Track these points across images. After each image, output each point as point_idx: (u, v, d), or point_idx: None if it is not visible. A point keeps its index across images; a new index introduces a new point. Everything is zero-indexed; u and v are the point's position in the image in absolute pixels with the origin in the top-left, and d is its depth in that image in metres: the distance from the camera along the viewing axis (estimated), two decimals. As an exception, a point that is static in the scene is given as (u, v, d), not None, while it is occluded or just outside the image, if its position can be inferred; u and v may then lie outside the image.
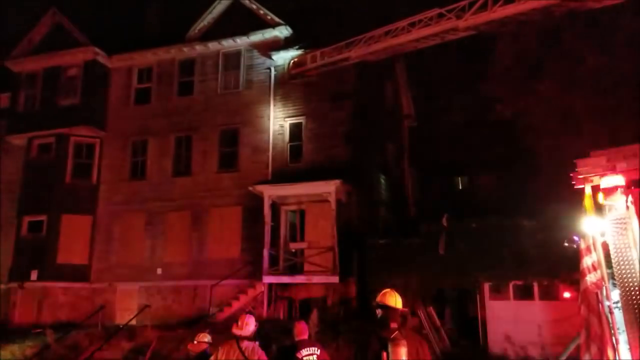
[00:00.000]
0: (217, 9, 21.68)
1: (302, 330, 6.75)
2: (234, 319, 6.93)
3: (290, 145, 19.69)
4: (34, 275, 20.41)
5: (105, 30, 24.03)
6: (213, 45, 21.34)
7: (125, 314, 19.13)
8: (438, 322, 13.55)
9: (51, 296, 20.29)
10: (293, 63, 19.92)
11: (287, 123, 19.83)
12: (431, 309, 13.69)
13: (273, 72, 20.38)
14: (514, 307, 13.19)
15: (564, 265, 11.86)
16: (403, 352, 4.89)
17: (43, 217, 21.15)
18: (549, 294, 13.25)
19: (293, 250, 18.34)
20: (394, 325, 5.13)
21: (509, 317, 13.13)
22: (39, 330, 18.03)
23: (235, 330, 6.68)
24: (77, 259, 20.93)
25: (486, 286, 13.55)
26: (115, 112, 22.36)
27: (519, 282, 13.29)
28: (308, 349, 6.50)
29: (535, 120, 17.90)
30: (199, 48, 21.55)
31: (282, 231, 18.67)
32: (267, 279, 17.56)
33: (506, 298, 13.46)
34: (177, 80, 21.91)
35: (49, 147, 21.99)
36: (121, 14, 26.39)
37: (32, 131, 22.16)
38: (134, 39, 23.29)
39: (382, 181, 20.96)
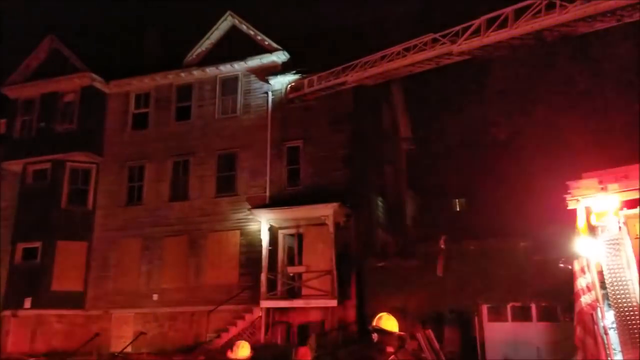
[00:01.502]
0: (215, 35, 21.93)
1: (303, 355, 6.72)
2: (231, 345, 6.92)
3: (288, 169, 19.74)
4: (27, 302, 20.20)
5: (103, 56, 24.26)
6: (211, 71, 21.54)
7: (121, 341, 18.91)
8: (437, 345, 13.43)
9: (45, 324, 20.07)
10: (290, 87, 20.10)
11: (285, 147, 19.91)
12: (430, 332, 13.58)
13: (271, 97, 20.55)
14: (513, 328, 13.09)
15: (562, 287, 11.81)
16: None
17: (37, 244, 21.01)
18: (548, 315, 13.16)
19: (291, 274, 18.24)
20: (390, 349, 5.11)
21: (507, 339, 13.02)
22: (32, 359, 17.81)
23: (231, 356, 6.69)
24: (72, 285, 20.74)
25: (484, 308, 13.47)
26: (112, 138, 22.43)
27: (517, 304, 13.20)
28: None
29: (529, 142, 18.03)
30: (196, 73, 21.74)
31: (280, 255, 18.59)
32: (265, 304, 17.42)
33: (504, 320, 13.36)
34: (174, 105, 22.04)
35: (45, 173, 21.96)
36: (119, 40, 26.70)
37: (27, 157, 22.20)
38: (132, 65, 23.49)
39: (380, 203, 20.97)
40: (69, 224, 21.31)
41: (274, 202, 19.10)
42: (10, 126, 23.18)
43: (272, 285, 17.87)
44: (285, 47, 20.85)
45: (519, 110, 18.43)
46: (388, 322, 5.36)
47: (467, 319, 13.99)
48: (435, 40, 16.73)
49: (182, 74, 21.92)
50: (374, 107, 21.69)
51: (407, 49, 17.31)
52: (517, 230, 15.13)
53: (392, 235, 20.92)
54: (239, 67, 21.22)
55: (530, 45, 15.90)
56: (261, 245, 18.22)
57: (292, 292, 17.77)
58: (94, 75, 22.39)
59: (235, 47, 21.33)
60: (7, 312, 20.32)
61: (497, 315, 13.41)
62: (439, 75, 19.55)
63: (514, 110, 18.61)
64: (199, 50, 21.96)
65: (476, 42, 15.86)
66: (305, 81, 19.62)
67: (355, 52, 18.69)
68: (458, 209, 23.43)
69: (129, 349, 17.88)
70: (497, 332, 13.20)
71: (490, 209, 19.06)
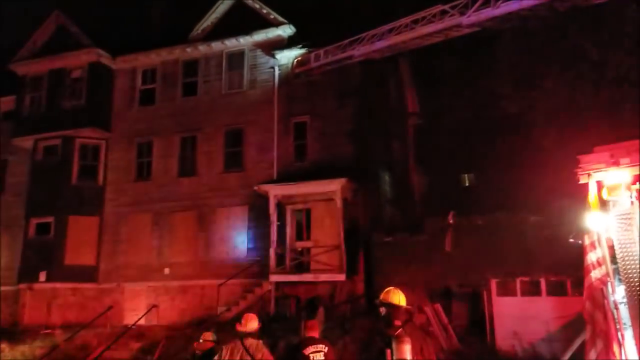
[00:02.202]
0: (220, 9, 21.71)
1: (310, 328, 6.80)
2: (240, 317, 7.03)
3: (295, 144, 19.73)
4: (42, 276, 20.55)
5: (109, 31, 24.12)
6: (216, 46, 21.38)
7: (134, 314, 19.24)
8: (445, 319, 13.54)
9: (60, 297, 20.42)
10: (297, 62, 19.93)
11: (292, 122, 19.85)
12: (438, 306, 13.69)
13: (277, 72, 20.41)
14: (522, 303, 13.14)
15: (571, 261, 11.82)
16: (407, 349, 4.93)
17: (50, 219, 21.27)
18: (557, 290, 13.20)
19: (299, 249, 18.38)
20: (397, 322, 5.18)
21: (516, 314, 13.08)
22: (48, 331, 18.19)
23: (239, 328, 6.79)
24: (85, 260, 21.04)
25: (493, 283, 13.51)
26: (120, 114, 22.44)
27: (526, 279, 13.24)
28: (315, 346, 6.54)
29: (540, 116, 17.83)
30: (202, 48, 21.59)
31: (289, 230, 18.70)
32: (274, 278, 17.61)
33: (513, 294, 13.42)
34: (181, 80, 21.96)
35: (55, 149, 22.10)
36: (124, 15, 26.50)
37: (37, 133, 22.29)
38: (138, 40, 23.33)
39: (388, 179, 20.95)
40: (80, 199, 21.52)
41: (281, 178, 19.14)
42: (20, 103, 23.22)
43: (280, 259, 18.03)
44: (291, 21, 20.63)
45: (530, 83, 18.18)
46: (395, 296, 5.43)
47: (476, 293, 14.06)
48: (443, 12, 16.49)
49: (188, 49, 21.79)
50: (381, 82, 21.51)
51: (415, 22, 17.08)
52: (527, 205, 15.07)
53: (400, 210, 20.95)
54: (244, 41, 21.05)
55: (541, 17, 15.63)
56: (269, 221, 18.31)
57: (301, 267, 17.94)
58: (101, 51, 22.31)
59: (241, 21, 21.12)
60: (23, 286, 20.70)
61: (506, 289, 13.45)
62: (447, 48, 19.28)
63: (524, 83, 18.37)
64: (205, 24, 21.77)
65: (486, 13, 15.60)
66: (312, 55, 19.45)
67: (362, 25, 18.47)
68: (467, 184, 23.36)
69: (141, 322, 18.19)
70: (506, 307, 13.27)
71: (500, 183, 18.97)
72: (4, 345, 17.26)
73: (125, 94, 22.60)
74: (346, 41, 18.50)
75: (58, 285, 20.49)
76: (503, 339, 13.07)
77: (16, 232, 21.93)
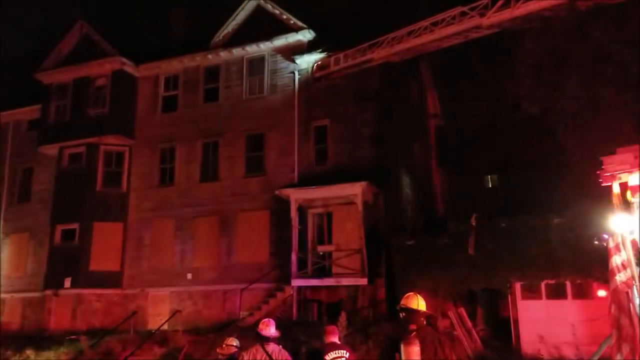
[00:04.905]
0: (241, 16, 21.89)
1: (331, 333, 6.78)
2: (259, 323, 7.05)
3: (316, 148, 19.75)
4: (67, 282, 20.87)
5: (131, 39, 24.49)
6: (237, 52, 21.56)
7: (157, 319, 19.41)
8: (469, 324, 13.38)
9: (85, 303, 20.74)
10: (317, 66, 20.00)
11: (312, 126, 19.90)
12: (462, 310, 13.53)
13: (297, 76, 20.49)
14: (547, 306, 12.95)
15: (597, 263, 11.62)
16: (415, 351, 4.93)
17: (75, 226, 21.63)
18: (582, 293, 12.99)
19: (321, 253, 18.38)
20: (412, 327, 5.18)
21: (541, 317, 12.90)
22: (73, 337, 18.43)
23: (261, 333, 6.82)
24: (110, 265, 21.33)
25: (517, 286, 13.33)
26: (143, 120, 22.76)
27: (551, 281, 13.03)
28: (336, 351, 6.53)
29: (563, 117, 17.58)
30: (223, 54, 21.79)
31: (310, 234, 18.71)
32: (296, 282, 17.62)
33: (538, 297, 13.22)
34: (202, 87, 22.19)
35: (80, 157, 22.48)
36: (146, 23, 26.89)
37: (63, 141, 22.72)
38: (160, 48, 23.66)
39: (409, 181, 20.84)
40: (105, 205, 21.85)
41: (302, 182, 19.18)
42: (45, 111, 23.70)
43: (302, 264, 18.04)
44: (311, 25, 20.69)
45: (552, 83, 17.94)
46: (414, 301, 5.43)
47: (500, 297, 13.88)
48: (463, 14, 16.42)
49: (209, 56, 22.00)
50: (401, 84, 21.44)
51: (434, 24, 17.05)
52: (551, 207, 14.86)
53: (421, 212, 20.81)
54: (265, 47, 21.18)
55: (562, 16, 15.43)
56: (290, 225, 18.36)
57: (323, 271, 17.91)
58: (124, 60, 22.66)
59: (261, 27, 21.26)
60: (49, 292, 21.06)
61: (530, 293, 13.27)
62: (468, 49, 19.15)
63: (546, 84, 18.12)
64: (225, 31, 21.97)
65: (506, 14, 15.51)
66: (332, 59, 19.52)
67: (381, 28, 18.46)
68: (489, 186, 23.09)
69: (165, 327, 18.34)
70: (531, 310, 13.09)
71: (523, 185, 18.73)
72: (29, 352, 17.53)
73: (148, 101, 22.91)
74: (366, 44, 18.53)
75: (83, 291, 20.80)
76: (528, 342, 12.90)
77: (42, 238, 22.40)
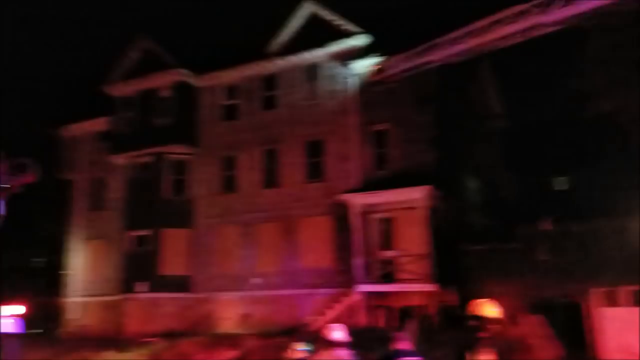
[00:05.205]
0: (295, 24, 22.11)
1: (401, 340, 6.79)
2: (326, 327, 7.21)
3: (376, 153, 19.79)
4: (141, 286, 21.85)
5: (192, 51, 25.17)
6: (293, 59, 21.80)
7: (227, 322, 20.04)
8: (545, 331, 13.09)
9: (158, 306, 21.61)
10: (374, 70, 20.00)
11: (371, 131, 19.93)
12: (537, 318, 13.26)
13: (354, 81, 20.56)
14: (628, 313, 12.47)
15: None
16: None
17: (146, 232, 22.58)
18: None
19: (385, 259, 18.42)
20: (482, 334, 5.19)
21: (622, 325, 12.44)
22: (149, 339, 19.29)
23: (329, 338, 6.91)
24: (179, 270, 22.14)
25: (595, 292, 12.91)
26: (206, 129, 23.41)
27: (632, 288, 12.53)
28: (407, 358, 6.52)
29: (636, 114, 16.86)
30: (280, 63, 22.10)
31: (373, 239, 18.78)
32: (361, 288, 17.75)
33: (618, 304, 12.75)
34: (261, 95, 22.59)
35: (148, 165, 23.42)
36: (206, 35, 27.65)
37: (131, 151, 23.72)
38: (219, 58, 24.19)
39: (474, 184, 20.54)
40: (172, 212, 22.69)
41: (363, 187, 19.27)
42: (114, 123, 24.78)
43: (366, 269, 18.14)
44: (366, 29, 20.69)
45: (623, 80, 17.23)
46: (484, 309, 5.41)
47: (576, 303, 13.51)
48: (523, 12, 16.03)
49: (266, 64, 22.37)
50: (462, 85, 21.12)
51: (494, 23, 16.72)
52: (628, 209, 14.28)
53: (488, 217, 20.48)
54: (320, 53, 21.32)
55: (628, 11, 14.83)
56: (353, 230, 18.49)
57: (388, 276, 17.97)
58: (185, 71, 23.38)
59: (316, 34, 21.39)
60: (124, 296, 22.11)
61: (609, 300, 12.82)
62: (531, 47, 18.66)
63: (617, 80, 17.43)
64: (281, 39, 22.24)
65: (570, 10, 15.03)
66: (389, 63, 19.45)
67: (439, 29, 18.26)
68: (560, 188, 22.38)
69: (234, 330, 18.94)
70: (609, 318, 12.65)
71: (596, 186, 18.07)
72: (110, 353, 18.50)
73: (209, 110, 23.56)
74: (424, 46, 18.35)
75: (156, 295, 21.68)
76: (607, 351, 12.49)
77: (116, 244, 23.48)
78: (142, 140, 23.48)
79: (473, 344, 5.13)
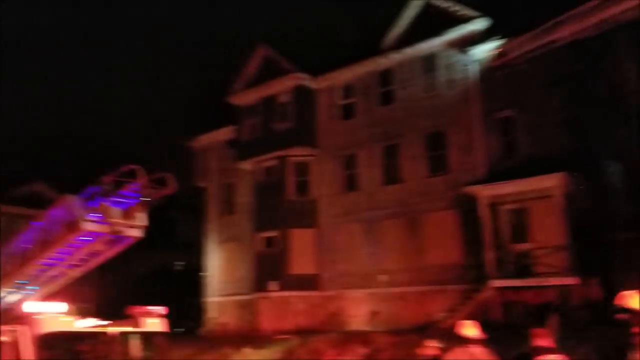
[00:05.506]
0: (409, 15, 21.76)
1: (540, 336, 6.35)
2: (458, 324, 6.91)
3: (502, 141, 18.85)
4: (272, 285, 22.75)
5: (306, 54, 25.76)
6: (408, 51, 21.47)
7: (357, 320, 20.18)
8: None
9: (290, 304, 22.34)
10: (495, 54, 19.09)
11: (496, 118, 19.02)
12: None
13: (474, 68, 19.78)
14: None
15: None
16: None
17: (274, 233, 23.50)
18: None
19: (518, 252, 17.44)
20: (636, 330, 4.66)
21: None
22: (283, 337, 19.93)
23: (464, 335, 6.67)
24: (306, 269, 22.75)
25: None
26: (325, 130, 23.82)
27: None
28: (547, 356, 6.07)
29: None
30: (395, 56, 21.87)
31: (503, 232, 17.86)
32: (494, 283, 16.97)
33: None
34: (377, 91, 22.52)
35: (272, 169, 24.39)
36: (318, 36, 28.11)
37: (256, 156, 24.81)
38: (333, 58, 24.52)
39: (615, 169, 18.72)
40: (297, 213, 23.37)
41: (490, 178, 18.41)
42: (239, 130, 26.08)
43: (498, 263, 17.31)
44: (484, 12, 19.78)
45: None
46: (634, 300, 4.85)
47: None
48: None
49: (381, 60, 22.24)
50: (596, 62, 19.31)
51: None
52: None
53: (634, 203, 18.56)
54: (437, 42, 20.77)
55: None
56: (481, 223, 17.73)
57: (523, 270, 16.97)
58: (302, 75, 24.00)
59: (431, 23, 20.88)
60: (258, 295, 23.15)
61: None
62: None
63: None
64: (395, 32, 22.01)
65: None
66: (511, 45, 18.48)
67: (565, 3, 16.95)
68: None
69: (364, 327, 18.97)
70: None
71: None
72: (248, 349, 19.38)
73: (327, 111, 23.95)
74: (549, 23, 17.18)
75: (286, 293, 22.45)
76: None
77: (247, 246, 24.68)
78: (266, 145, 24.44)
79: (627, 341, 4.62)
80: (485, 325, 6.91)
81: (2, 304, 10.71)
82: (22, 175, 39.30)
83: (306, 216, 23.31)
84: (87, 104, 67.16)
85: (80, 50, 73.95)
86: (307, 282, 22.52)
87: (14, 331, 9.23)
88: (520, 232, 17.65)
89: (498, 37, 18.99)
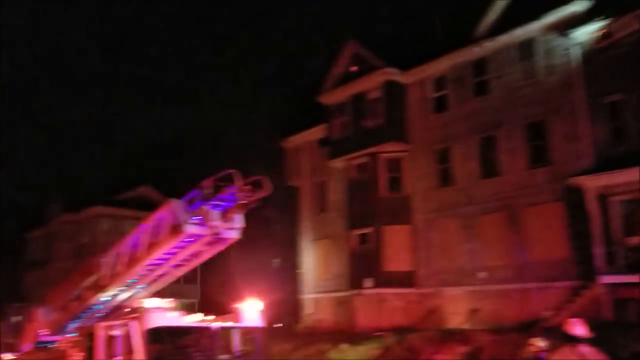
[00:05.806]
0: (502, 0, 20.85)
1: None
2: (568, 323, 6.50)
3: (610, 128, 17.56)
4: (367, 283, 22.69)
5: (394, 48, 25.44)
6: (503, 39, 20.56)
7: (455, 317, 19.65)
8: None
9: (385, 301, 22.18)
10: (599, 36, 17.79)
11: (603, 103, 17.73)
12: None
13: (576, 51, 18.57)
14: None
15: None
16: None
17: (368, 230, 23.41)
18: None
19: (631, 246, 16.15)
20: None
21: None
22: (380, 334, 19.84)
23: (570, 333, 6.27)
24: (401, 266, 22.46)
25: None
26: (416, 125, 23.38)
27: None
28: None
29: None
30: (488, 45, 21.02)
31: (615, 225, 16.60)
32: (605, 279, 15.85)
33: None
34: (471, 81, 21.76)
35: (364, 166, 24.30)
36: (406, 29, 27.68)
37: (347, 154, 24.81)
38: (422, 52, 24.02)
39: None
40: (390, 209, 23.13)
41: (598, 167, 17.20)
42: (330, 129, 26.25)
43: (609, 258, 16.14)
44: (586, -10, 18.51)
45: None
46: None
47: None
48: None
49: (474, 49, 21.47)
50: None
51: None
52: None
53: None
54: (534, 27, 19.72)
55: None
56: (589, 216, 16.59)
57: (637, 265, 15.65)
58: (392, 70, 23.68)
59: (526, 7, 19.87)
60: (353, 292, 23.21)
61: None
62: None
63: None
64: (487, 20, 21.20)
65: None
66: (616, 24, 17.14)
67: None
68: None
69: (464, 325, 18.44)
70: None
71: None
72: (345, 346, 19.52)
73: (418, 104, 23.48)
74: (662, -2, 15.73)
75: (382, 290, 22.29)
76: None
77: (341, 243, 24.83)
78: (357, 142, 24.40)
79: None
80: (595, 324, 6.47)
81: (114, 301, 11.56)
82: (130, 180, 42.20)
83: (400, 213, 23.02)
84: (186, 110, 70.82)
85: (180, 56, 78.08)
86: (403, 279, 22.24)
87: (126, 326, 9.88)
88: (633, 224, 16.33)
89: (601, 17, 17.69)
